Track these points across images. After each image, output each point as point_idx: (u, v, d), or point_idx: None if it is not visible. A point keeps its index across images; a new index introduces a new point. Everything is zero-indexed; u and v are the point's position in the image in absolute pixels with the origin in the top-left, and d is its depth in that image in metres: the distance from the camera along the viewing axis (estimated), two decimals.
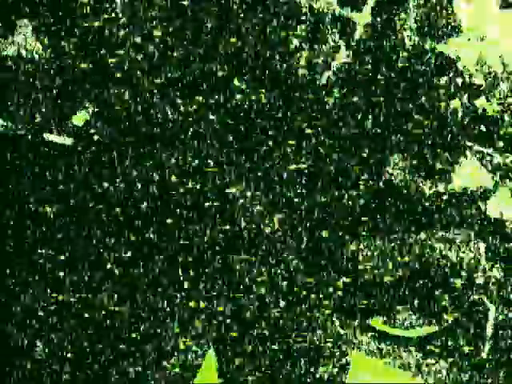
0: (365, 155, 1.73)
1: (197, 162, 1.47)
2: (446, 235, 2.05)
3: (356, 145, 1.72)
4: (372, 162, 1.77)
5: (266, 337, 1.77)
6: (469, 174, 2.03)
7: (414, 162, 1.79)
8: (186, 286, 1.54)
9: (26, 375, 1.40)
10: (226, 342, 1.67)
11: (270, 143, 1.64)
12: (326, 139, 1.68)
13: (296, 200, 1.68)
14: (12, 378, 1.39)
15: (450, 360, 2.30)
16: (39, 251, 1.39)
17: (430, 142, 1.85)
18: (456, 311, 2.13)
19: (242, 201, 1.54)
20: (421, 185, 1.93)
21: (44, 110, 1.57)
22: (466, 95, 1.91)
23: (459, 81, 1.89)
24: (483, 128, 2.01)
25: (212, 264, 1.57)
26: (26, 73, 1.54)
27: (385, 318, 2.06)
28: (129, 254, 1.45)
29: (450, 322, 2.12)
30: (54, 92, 1.60)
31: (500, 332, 2.29)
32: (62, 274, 1.43)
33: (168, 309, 1.55)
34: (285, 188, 1.65)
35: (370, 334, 2.31)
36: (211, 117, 1.51)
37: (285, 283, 1.73)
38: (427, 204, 1.94)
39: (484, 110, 2.01)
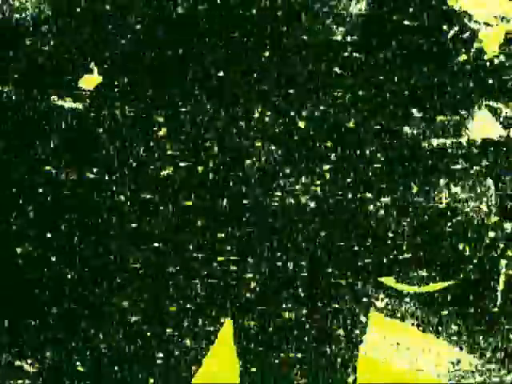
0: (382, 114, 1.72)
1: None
2: (456, 189, 2.04)
3: (375, 104, 1.71)
4: (389, 118, 1.75)
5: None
6: (481, 126, 2.02)
7: (427, 115, 1.79)
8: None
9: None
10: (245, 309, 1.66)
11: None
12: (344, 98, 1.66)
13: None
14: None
15: (462, 313, 2.31)
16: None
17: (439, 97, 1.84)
18: (467, 265, 2.12)
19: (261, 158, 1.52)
20: (432, 139, 1.91)
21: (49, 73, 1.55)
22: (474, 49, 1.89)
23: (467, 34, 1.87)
24: (492, 81, 2.00)
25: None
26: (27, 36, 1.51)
27: (396, 276, 2.06)
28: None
29: (461, 276, 2.11)
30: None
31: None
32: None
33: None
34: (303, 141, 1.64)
35: (382, 292, 2.31)
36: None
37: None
38: (436, 157, 1.94)
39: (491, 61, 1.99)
